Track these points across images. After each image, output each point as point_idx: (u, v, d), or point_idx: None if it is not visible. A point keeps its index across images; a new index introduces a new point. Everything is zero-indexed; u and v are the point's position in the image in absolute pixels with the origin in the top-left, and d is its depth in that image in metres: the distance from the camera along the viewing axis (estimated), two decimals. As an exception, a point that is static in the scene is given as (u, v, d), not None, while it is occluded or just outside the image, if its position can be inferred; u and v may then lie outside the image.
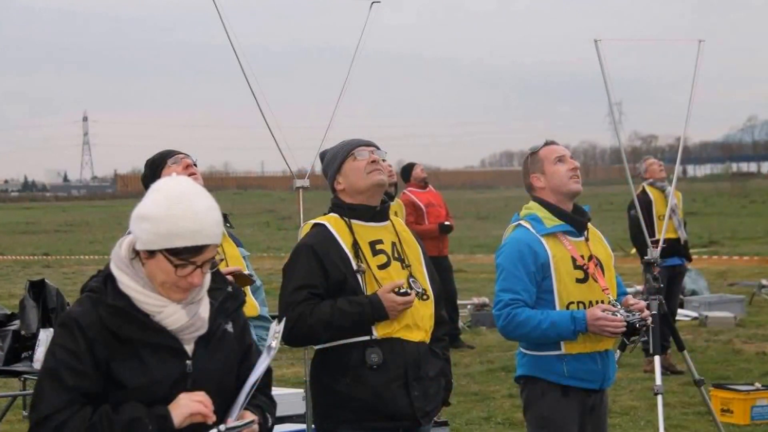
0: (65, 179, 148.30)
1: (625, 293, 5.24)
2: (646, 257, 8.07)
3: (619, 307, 4.99)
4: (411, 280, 4.63)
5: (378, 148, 4.77)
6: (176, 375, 3.27)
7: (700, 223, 34.42)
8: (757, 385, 9.30)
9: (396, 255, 4.67)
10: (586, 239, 5.16)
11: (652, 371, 7.84)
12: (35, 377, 6.34)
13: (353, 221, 4.66)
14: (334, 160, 4.76)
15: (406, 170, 13.25)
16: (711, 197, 54.58)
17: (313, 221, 4.75)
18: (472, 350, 12.93)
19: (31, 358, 7.61)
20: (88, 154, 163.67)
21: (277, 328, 3.42)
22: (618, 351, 7.11)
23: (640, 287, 13.96)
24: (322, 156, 4.90)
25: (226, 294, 3.46)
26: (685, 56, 9.05)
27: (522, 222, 5.13)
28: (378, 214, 4.72)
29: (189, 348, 3.31)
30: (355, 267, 4.56)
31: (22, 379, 7.87)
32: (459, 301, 13.97)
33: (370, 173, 4.67)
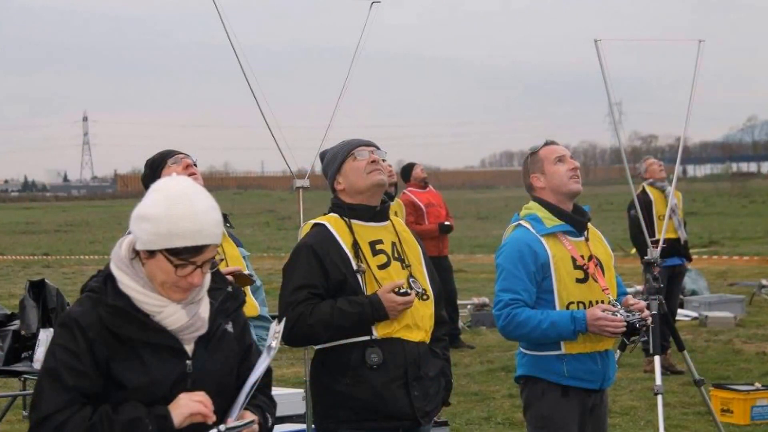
0: (65, 179, 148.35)
1: (625, 293, 5.24)
2: (646, 257, 8.07)
3: (619, 307, 4.99)
4: (411, 280, 4.63)
5: (378, 148, 4.77)
6: (176, 375, 3.26)
7: (700, 223, 34.42)
8: (757, 385, 9.29)
9: (396, 255, 4.67)
10: (586, 239, 5.15)
11: (652, 371, 7.84)
12: (35, 377, 6.34)
13: (353, 221, 4.66)
14: (334, 160, 4.76)
15: (406, 170, 13.25)
16: (711, 197, 54.56)
17: (313, 221, 4.75)
18: (472, 350, 12.93)
19: (31, 358, 7.61)
20: (88, 154, 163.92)
21: (277, 328, 3.42)
22: (618, 351, 7.12)
23: (640, 287, 13.96)
24: (322, 156, 4.90)
25: (226, 294, 3.46)
26: (685, 56, 9.05)
27: (522, 222, 5.13)
28: (378, 214, 4.72)
29: (189, 348, 3.31)
30: (355, 267, 4.56)
31: (22, 379, 7.87)
32: (459, 301, 13.96)
33: (370, 173, 4.67)
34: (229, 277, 3.88)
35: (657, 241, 8.25)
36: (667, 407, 8.54)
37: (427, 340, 4.66)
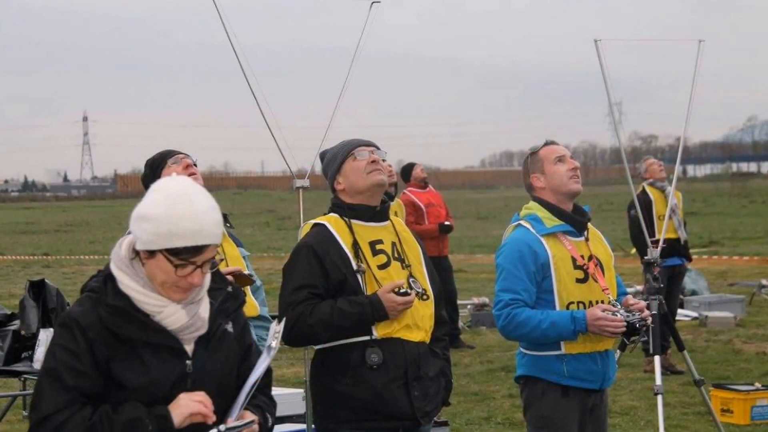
0: (65, 179, 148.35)
1: (625, 293, 5.24)
2: (646, 257, 8.07)
3: (619, 307, 4.99)
4: (411, 280, 4.63)
5: (378, 148, 4.77)
6: (176, 375, 3.26)
7: (700, 223, 34.42)
8: (757, 385, 9.29)
9: (396, 255, 4.67)
10: (586, 239, 5.15)
11: (652, 371, 7.84)
12: (35, 377, 6.34)
13: (353, 221, 4.65)
14: (334, 160, 4.76)
15: (406, 170, 13.25)
16: (711, 197, 54.56)
17: (313, 221, 4.75)
18: (472, 350, 12.93)
19: (31, 358, 7.61)
20: (88, 154, 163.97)
21: (277, 328, 3.42)
22: (618, 351, 7.12)
23: (640, 287, 13.96)
24: (322, 156, 4.90)
25: (226, 294, 3.45)
26: (685, 56, 9.05)
27: (522, 222, 5.13)
28: (378, 214, 4.72)
29: (189, 348, 3.31)
30: (355, 267, 4.56)
31: (22, 379, 7.87)
32: (459, 301, 13.96)
33: (370, 173, 4.67)
34: (229, 277, 3.88)
35: (657, 241, 8.25)
36: (667, 407, 8.54)
37: (427, 340, 4.66)
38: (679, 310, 13.80)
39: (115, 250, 3.33)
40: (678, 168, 9.28)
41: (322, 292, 4.55)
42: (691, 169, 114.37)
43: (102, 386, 3.22)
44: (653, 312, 7.34)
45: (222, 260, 4.92)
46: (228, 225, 4.90)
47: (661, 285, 8.11)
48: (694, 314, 14.83)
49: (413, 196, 12.86)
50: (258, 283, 5.23)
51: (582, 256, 5.07)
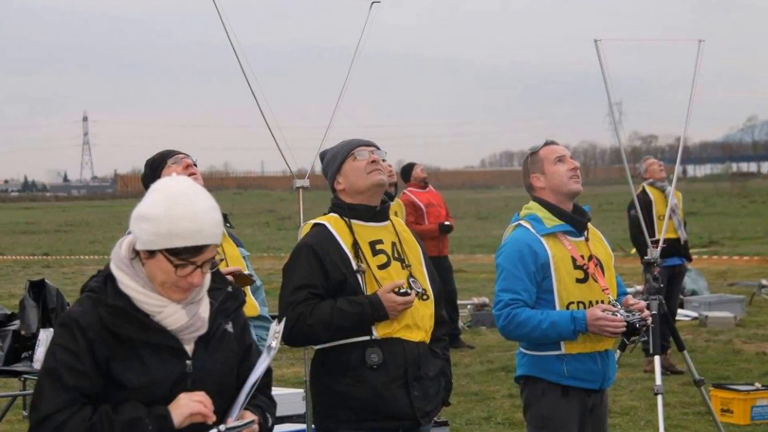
0: (65, 179, 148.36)
1: (625, 293, 5.24)
2: (646, 257, 8.07)
3: (619, 307, 4.99)
4: (411, 280, 4.63)
5: (378, 148, 4.77)
6: (176, 375, 3.26)
7: (700, 223, 34.42)
8: (757, 385, 9.29)
9: (396, 255, 4.67)
10: (586, 239, 5.15)
11: (652, 371, 7.84)
12: (35, 377, 6.34)
13: (353, 221, 4.65)
14: (334, 160, 4.76)
15: (406, 170, 13.25)
16: (711, 197, 54.56)
17: (313, 221, 4.75)
18: (472, 350, 12.93)
19: (31, 358, 7.62)
20: (88, 154, 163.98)
21: (277, 328, 3.42)
22: (618, 351, 7.12)
23: (640, 287, 13.96)
24: (322, 156, 4.90)
25: (226, 294, 3.45)
26: (685, 56, 9.06)
27: (522, 222, 5.13)
28: (378, 214, 4.72)
29: (189, 348, 3.31)
30: (355, 267, 4.56)
31: (22, 379, 7.87)
32: (459, 301, 13.97)
33: (370, 173, 4.67)
34: (229, 277, 3.88)
35: (657, 241, 8.25)
36: (667, 407, 8.54)
37: (427, 340, 4.66)
38: (679, 310, 13.80)
39: (115, 250, 3.33)
40: (678, 168, 9.29)
41: (322, 292, 4.55)
42: (691, 169, 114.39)
43: (102, 386, 3.22)
44: (653, 312, 7.34)
45: (222, 260, 4.92)
46: (228, 225, 4.90)
47: (661, 285, 8.12)
48: (694, 314, 14.84)
49: (413, 196, 12.86)
50: (258, 283, 5.23)
51: (582, 256, 5.07)
